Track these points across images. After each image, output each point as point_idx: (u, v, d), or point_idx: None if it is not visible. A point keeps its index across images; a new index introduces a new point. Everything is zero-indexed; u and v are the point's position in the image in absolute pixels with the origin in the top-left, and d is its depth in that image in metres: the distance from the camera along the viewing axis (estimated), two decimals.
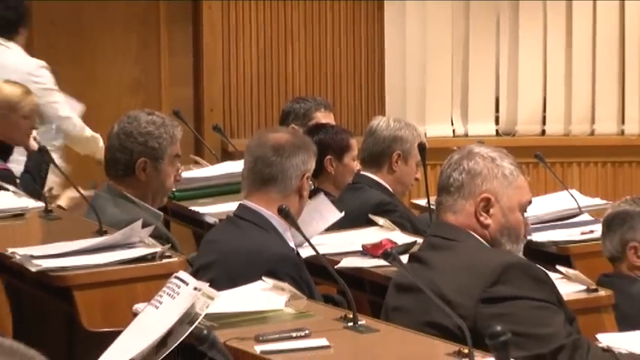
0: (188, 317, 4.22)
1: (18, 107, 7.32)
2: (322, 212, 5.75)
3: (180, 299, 4.29)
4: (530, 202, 4.95)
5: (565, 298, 4.80)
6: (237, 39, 9.82)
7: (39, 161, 7.35)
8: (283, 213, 5.31)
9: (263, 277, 5.01)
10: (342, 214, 6.09)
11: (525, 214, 4.86)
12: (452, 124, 9.99)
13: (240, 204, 5.58)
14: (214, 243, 5.63)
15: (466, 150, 4.90)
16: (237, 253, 5.37)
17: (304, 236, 5.32)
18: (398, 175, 6.94)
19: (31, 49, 9.27)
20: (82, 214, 6.41)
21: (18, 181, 7.17)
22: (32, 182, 7.25)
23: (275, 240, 5.43)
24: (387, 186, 6.89)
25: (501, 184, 4.77)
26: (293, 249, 5.47)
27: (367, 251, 5.84)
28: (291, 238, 5.44)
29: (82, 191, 6.45)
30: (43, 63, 8.27)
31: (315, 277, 5.46)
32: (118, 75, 9.35)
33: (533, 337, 4.45)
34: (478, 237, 4.74)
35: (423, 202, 6.92)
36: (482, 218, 4.74)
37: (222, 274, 5.04)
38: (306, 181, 5.47)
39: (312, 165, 5.54)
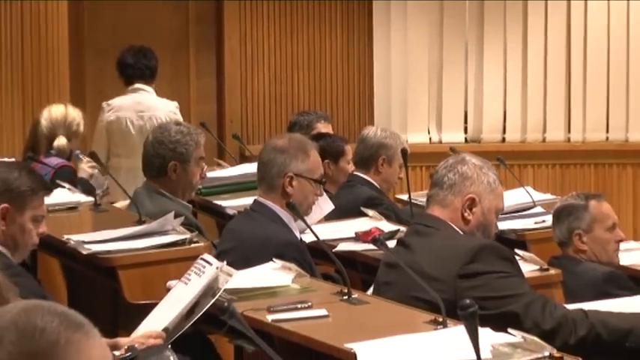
0: (211, 291, 4.24)
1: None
2: (320, 204, 5.74)
3: (204, 277, 4.31)
4: (502, 209, 5.00)
5: None
6: (252, 64, 9.79)
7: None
8: (290, 207, 5.34)
9: (273, 259, 5.03)
10: (333, 206, 6.09)
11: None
12: (428, 133, 9.95)
13: (254, 199, 5.59)
14: (233, 231, 5.62)
15: (460, 157, 4.91)
16: (251, 240, 5.35)
17: (307, 225, 5.34)
18: (384, 175, 6.94)
19: (82, 76, 9.26)
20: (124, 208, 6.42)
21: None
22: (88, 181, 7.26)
23: (282, 229, 5.41)
24: (376, 184, 6.90)
25: (486, 189, 4.79)
26: (297, 236, 5.46)
27: (359, 237, 5.85)
28: (295, 227, 5.43)
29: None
30: (176, 103, 8.46)
31: (316, 258, 5.45)
32: (158, 91, 9.31)
33: (506, 297, 4.45)
34: (455, 227, 4.76)
35: (405, 196, 6.91)
36: (465, 214, 4.75)
37: (239, 257, 5.04)
38: (288, 180, 5.45)
39: (295, 166, 5.43)
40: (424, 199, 6.47)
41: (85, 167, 7.30)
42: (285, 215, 5.41)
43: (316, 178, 5.53)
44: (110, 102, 8.43)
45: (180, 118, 8.13)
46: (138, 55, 8.48)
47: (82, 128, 7.39)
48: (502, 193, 4.94)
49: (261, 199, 5.49)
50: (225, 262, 4.40)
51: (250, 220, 5.56)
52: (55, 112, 7.29)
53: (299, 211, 5.28)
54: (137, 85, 8.41)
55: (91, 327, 2.20)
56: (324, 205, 5.99)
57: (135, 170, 7.74)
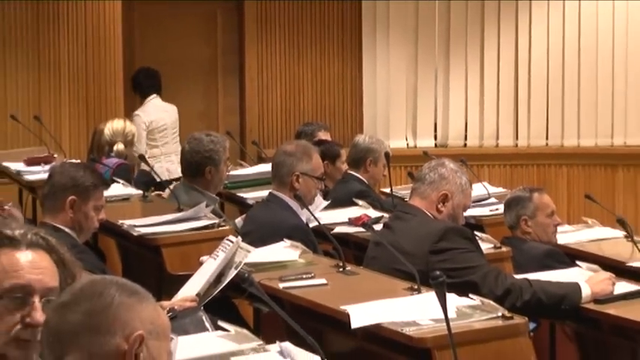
0: (234, 264, 4.23)
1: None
2: (316, 202, 5.76)
3: (229, 253, 4.30)
4: (469, 206, 5.02)
5: None
6: (267, 86, 9.76)
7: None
8: (297, 198, 5.35)
9: (284, 239, 5.03)
10: (327, 203, 6.14)
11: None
12: (406, 140, 9.92)
13: (269, 192, 5.59)
14: (253, 217, 5.63)
15: (441, 160, 4.94)
16: (267, 224, 5.37)
17: (312, 213, 5.35)
18: (371, 173, 6.91)
19: (134, 93, 9.22)
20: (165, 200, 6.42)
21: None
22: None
23: (291, 215, 5.42)
24: (365, 180, 6.87)
25: (458, 189, 4.80)
26: (303, 221, 5.46)
27: (352, 222, 5.83)
28: (302, 214, 5.44)
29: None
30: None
31: (318, 239, 5.45)
32: (191, 108, 9.32)
33: (467, 268, 4.46)
34: (429, 215, 4.76)
35: (387, 190, 6.90)
36: (439, 206, 4.76)
37: (257, 238, 5.03)
38: (295, 177, 5.46)
39: (301, 167, 5.46)
40: (403, 192, 6.52)
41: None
42: (293, 204, 5.42)
43: (317, 175, 5.54)
44: (139, 112, 8.69)
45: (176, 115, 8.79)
46: (150, 75, 8.86)
47: (135, 138, 7.44)
48: (470, 194, 4.98)
49: (275, 192, 5.50)
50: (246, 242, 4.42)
51: (266, 208, 5.57)
52: (116, 124, 7.34)
53: (305, 202, 5.31)
54: (153, 95, 8.78)
55: (146, 294, 2.21)
56: (320, 202, 6.06)
57: (169, 155, 8.40)
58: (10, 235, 2.55)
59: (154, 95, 8.78)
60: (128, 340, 2.12)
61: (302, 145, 5.85)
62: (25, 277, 2.50)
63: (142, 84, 8.85)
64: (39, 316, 2.44)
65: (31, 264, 2.52)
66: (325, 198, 6.66)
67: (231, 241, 4.36)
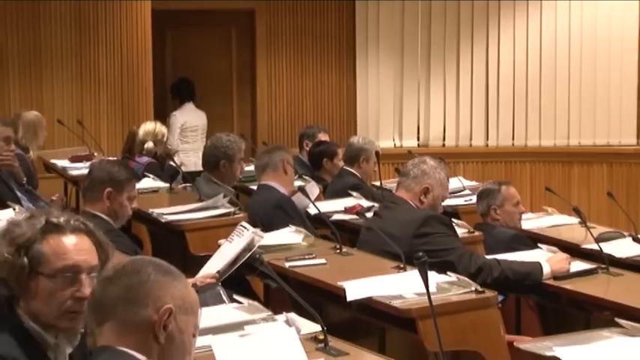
0: (248, 247, 4.23)
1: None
2: (310, 189, 5.77)
3: (243, 237, 4.29)
4: (447, 197, 5.05)
5: None
6: (275, 95, 9.75)
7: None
8: (300, 189, 5.36)
9: (290, 225, 5.02)
10: (318, 190, 6.32)
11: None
12: (393, 140, 9.90)
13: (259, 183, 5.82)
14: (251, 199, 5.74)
15: (423, 158, 4.95)
16: (261, 202, 5.48)
17: (312, 202, 5.35)
18: (363, 169, 6.88)
19: (164, 99, 9.21)
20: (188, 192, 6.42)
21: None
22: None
23: (279, 194, 5.55)
24: (358, 175, 6.84)
25: (437, 183, 4.80)
26: (290, 199, 5.58)
27: (348, 210, 5.83)
28: (298, 198, 5.56)
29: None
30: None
31: (317, 225, 5.44)
32: (211, 112, 9.29)
33: (445, 250, 4.47)
34: (413, 205, 4.76)
35: (378, 183, 6.89)
36: (421, 197, 4.77)
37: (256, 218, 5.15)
38: (287, 164, 5.63)
39: (289, 156, 5.73)
40: (390, 185, 6.50)
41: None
42: (283, 190, 5.63)
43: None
44: (176, 112, 9.02)
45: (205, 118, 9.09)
46: (188, 85, 9.18)
47: (165, 138, 7.43)
48: (448, 187, 4.98)
49: (265, 182, 5.73)
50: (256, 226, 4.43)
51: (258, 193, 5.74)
52: (148, 126, 7.34)
53: (309, 196, 5.33)
54: (189, 101, 9.07)
55: (179, 274, 2.25)
56: (313, 189, 6.07)
57: (197, 150, 8.37)
58: (56, 223, 2.56)
59: (190, 101, 9.07)
60: (158, 313, 2.12)
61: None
62: (72, 258, 2.53)
63: (181, 91, 9.16)
64: (87, 290, 2.47)
65: (76, 246, 2.54)
66: (324, 190, 6.69)
67: (245, 227, 4.36)
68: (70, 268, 2.51)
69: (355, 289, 3.90)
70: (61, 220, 2.57)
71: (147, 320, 2.12)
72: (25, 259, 2.49)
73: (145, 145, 7.20)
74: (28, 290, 2.51)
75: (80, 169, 6.97)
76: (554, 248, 4.81)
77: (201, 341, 2.25)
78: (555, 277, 4.37)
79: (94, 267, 2.55)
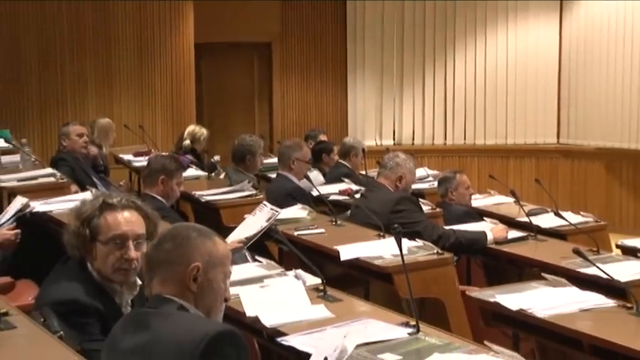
0: (267, 220, 4.21)
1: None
2: (314, 177, 5.76)
3: (264, 212, 4.28)
4: (415, 182, 5.07)
5: None
6: (287, 106, 9.72)
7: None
8: (306, 177, 5.33)
9: (299, 205, 5.00)
10: (323, 179, 6.21)
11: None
12: (375, 140, 9.86)
13: (277, 172, 5.70)
14: (270, 188, 5.66)
15: (396, 153, 4.93)
16: (276, 189, 5.44)
17: (314, 185, 5.33)
18: (353, 162, 6.81)
19: (202, 106, 9.17)
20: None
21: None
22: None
23: (291, 184, 5.44)
24: (349, 166, 6.79)
25: (408, 171, 4.80)
26: (300, 186, 5.45)
27: (341, 193, 5.82)
28: (304, 182, 5.47)
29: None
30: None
31: (318, 204, 5.43)
32: (237, 119, 9.28)
33: (414, 222, 4.44)
34: (390, 189, 4.73)
35: (364, 172, 6.86)
36: (397, 183, 4.75)
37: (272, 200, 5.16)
38: (295, 161, 5.48)
39: (300, 154, 5.51)
40: (373, 174, 6.46)
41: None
42: (293, 178, 5.49)
43: (306, 160, 5.59)
44: None
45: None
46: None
47: (203, 138, 7.39)
48: (415, 174, 4.96)
49: (280, 171, 5.61)
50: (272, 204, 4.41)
51: (276, 181, 5.63)
52: (189, 128, 7.42)
53: (312, 182, 5.30)
54: None
55: (208, 233, 2.20)
56: (318, 177, 6.05)
57: None
58: (111, 202, 2.61)
59: None
60: (188, 268, 2.10)
61: (295, 140, 5.93)
62: (121, 229, 2.56)
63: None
64: (132, 253, 2.52)
65: (125, 220, 2.58)
66: (324, 177, 6.66)
67: (265, 205, 4.34)
68: (118, 236, 2.55)
69: (347, 252, 3.89)
70: (114, 200, 2.62)
71: (181, 275, 2.11)
72: (87, 230, 2.56)
73: (184, 143, 7.20)
74: (91, 253, 2.56)
75: (141, 161, 6.96)
76: (496, 221, 4.81)
77: (230, 291, 2.22)
78: (496, 243, 4.37)
79: (140, 235, 2.58)
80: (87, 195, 4.58)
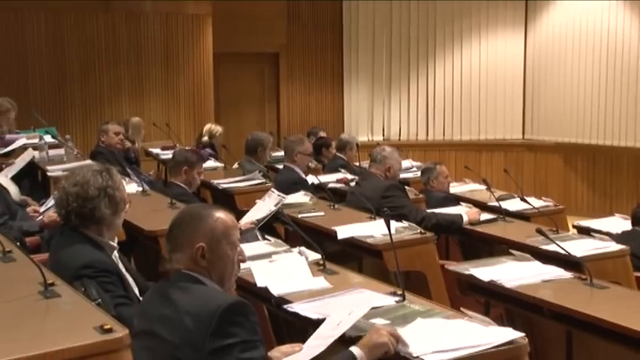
0: (275, 204, 4.19)
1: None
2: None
3: (272, 198, 4.26)
4: (401, 171, 5.02)
5: None
6: (292, 108, 9.69)
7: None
8: (309, 169, 5.31)
9: (302, 192, 4.98)
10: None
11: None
12: (367, 136, 9.83)
13: (283, 164, 5.62)
14: (278, 179, 5.61)
15: (384, 146, 4.91)
16: (283, 178, 5.38)
17: (316, 177, 5.30)
18: (348, 155, 6.77)
19: (219, 107, 9.14)
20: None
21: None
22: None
23: (297, 175, 5.39)
24: (345, 159, 6.76)
25: (395, 162, 4.78)
26: (304, 177, 5.39)
27: (338, 181, 5.78)
28: (304, 176, 5.44)
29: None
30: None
31: (318, 191, 5.41)
32: (250, 119, 9.24)
33: (401, 206, 4.42)
34: (380, 177, 4.71)
35: (357, 164, 6.84)
36: (386, 172, 4.74)
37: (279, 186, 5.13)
38: (298, 154, 5.41)
39: (303, 148, 5.42)
40: (365, 165, 6.45)
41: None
42: (297, 169, 5.43)
43: (308, 154, 5.53)
44: None
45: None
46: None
47: (218, 134, 7.34)
48: (401, 165, 4.92)
49: (287, 163, 5.52)
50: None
51: (283, 172, 5.55)
52: (207, 126, 7.37)
53: (303, 170, 5.28)
54: None
55: (218, 211, 2.17)
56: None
57: None
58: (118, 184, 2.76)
59: None
60: (193, 249, 2.08)
61: (299, 136, 5.90)
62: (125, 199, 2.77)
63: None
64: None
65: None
66: (323, 168, 6.63)
67: (274, 191, 4.32)
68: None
69: (343, 231, 3.88)
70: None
71: (190, 255, 2.11)
72: (107, 200, 2.68)
73: (203, 139, 7.19)
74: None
75: (167, 154, 6.91)
76: (470, 205, 4.80)
77: (243, 266, 2.21)
78: (471, 224, 4.35)
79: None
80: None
